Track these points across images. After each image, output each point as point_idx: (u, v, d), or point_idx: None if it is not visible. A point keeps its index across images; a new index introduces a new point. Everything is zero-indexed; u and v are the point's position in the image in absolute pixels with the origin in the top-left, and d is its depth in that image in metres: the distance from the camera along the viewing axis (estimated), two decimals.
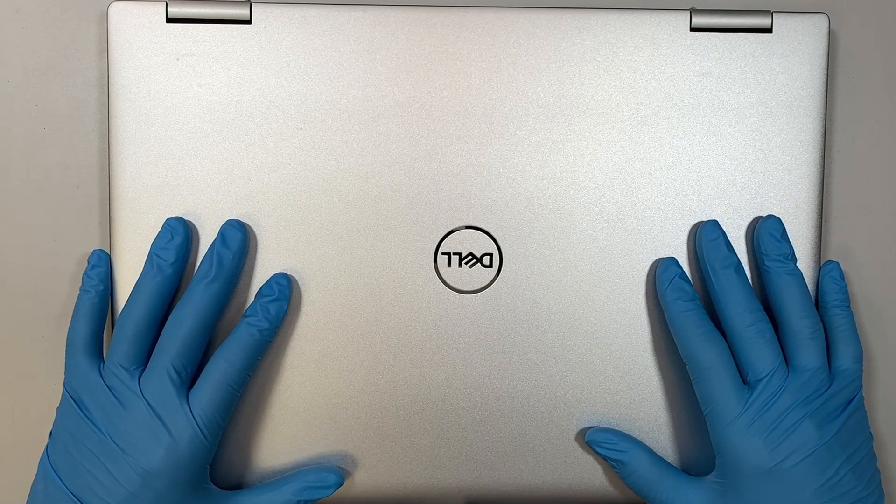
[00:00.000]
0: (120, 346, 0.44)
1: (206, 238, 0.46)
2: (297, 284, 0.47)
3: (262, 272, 0.47)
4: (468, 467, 0.47)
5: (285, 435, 0.47)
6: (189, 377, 0.44)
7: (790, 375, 0.44)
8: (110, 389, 0.44)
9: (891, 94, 0.51)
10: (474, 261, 0.47)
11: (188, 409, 0.43)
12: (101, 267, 0.46)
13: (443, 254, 0.47)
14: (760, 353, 0.44)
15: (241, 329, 0.45)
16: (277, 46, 0.46)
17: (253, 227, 0.46)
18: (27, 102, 0.50)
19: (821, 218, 0.48)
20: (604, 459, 0.47)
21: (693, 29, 0.47)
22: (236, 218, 0.46)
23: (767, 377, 0.44)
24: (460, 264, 0.47)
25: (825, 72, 0.47)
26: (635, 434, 0.47)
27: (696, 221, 0.47)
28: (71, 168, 0.50)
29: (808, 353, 0.44)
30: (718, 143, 0.47)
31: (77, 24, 0.50)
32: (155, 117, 0.46)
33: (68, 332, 0.45)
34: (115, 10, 0.46)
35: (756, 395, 0.44)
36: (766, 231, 0.46)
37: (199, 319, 0.44)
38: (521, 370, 0.47)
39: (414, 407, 0.47)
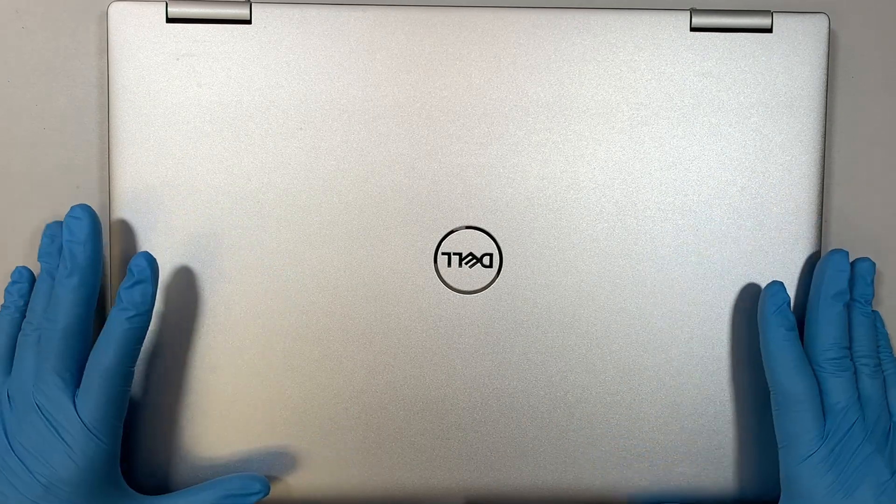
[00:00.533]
0: (24, 352, 0.44)
1: (208, 242, 0.46)
2: (297, 285, 0.47)
3: (263, 272, 0.47)
4: (468, 467, 0.47)
5: (286, 435, 0.47)
6: (74, 378, 0.43)
7: (863, 410, 0.45)
8: (10, 399, 0.44)
9: (891, 94, 0.51)
10: (474, 261, 0.47)
11: (76, 414, 0.42)
12: (22, 283, 0.47)
13: (443, 254, 0.47)
14: (842, 385, 0.44)
15: (109, 321, 0.43)
16: (277, 46, 0.46)
17: (253, 226, 0.46)
18: (27, 102, 0.50)
19: (821, 218, 0.48)
20: None
21: (693, 29, 0.47)
22: (82, 203, 0.44)
23: (844, 410, 0.44)
24: (460, 264, 0.47)
25: (825, 72, 0.47)
26: (634, 429, 0.47)
27: (695, 221, 0.47)
28: (71, 168, 0.50)
29: (872, 386, 0.45)
30: (718, 143, 0.47)
31: (77, 24, 0.49)
32: (155, 117, 0.46)
33: None
34: (114, 9, 0.46)
35: (833, 427, 0.44)
36: (860, 274, 0.47)
37: (69, 317, 0.43)
38: (521, 370, 0.47)
39: (414, 407, 0.47)
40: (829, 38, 0.47)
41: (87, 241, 0.43)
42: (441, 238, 0.47)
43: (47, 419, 0.42)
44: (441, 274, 0.47)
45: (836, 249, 0.46)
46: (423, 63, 0.46)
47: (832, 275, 0.45)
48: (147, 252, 0.44)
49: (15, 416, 0.43)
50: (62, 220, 0.46)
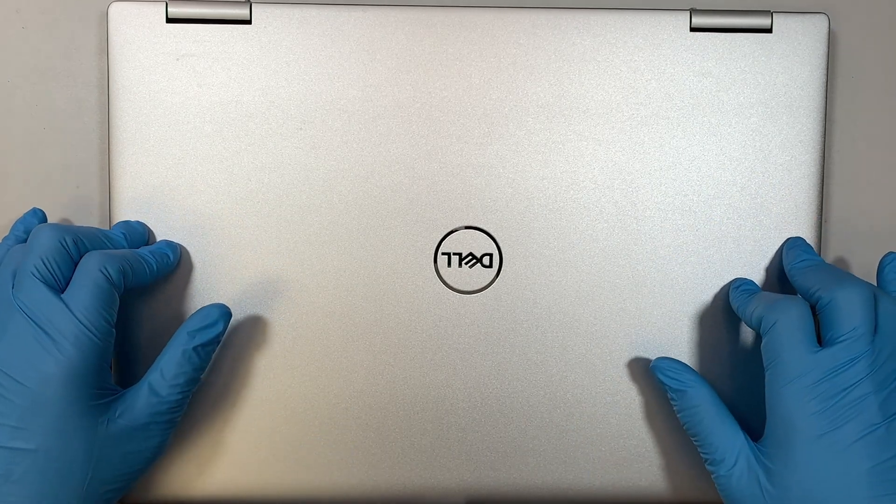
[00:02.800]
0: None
1: (203, 239, 0.46)
2: (297, 285, 0.47)
3: (262, 271, 0.47)
4: (468, 467, 0.47)
5: (285, 435, 0.47)
6: (60, 282, 0.42)
7: (874, 344, 0.40)
8: None
9: (891, 94, 0.51)
10: (474, 261, 0.47)
11: (67, 308, 0.41)
12: (33, 222, 0.46)
13: (443, 254, 0.47)
14: (852, 309, 0.41)
15: (112, 230, 0.45)
16: (277, 46, 0.46)
17: (253, 226, 0.46)
18: (27, 102, 0.50)
19: (821, 218, 0.48)
20: (664, 388, 0.45)
21: (693, 29, 0.47)
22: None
23: (849, 339, 0.40)
24: (460, 264, 0.47)
25: (825, 72, 0.47)
26: (634, 429, 0.47)
27: (696, 221, 0.47)
28: (71, 168, 0.50)
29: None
30: (718, 143, 0.47)
31: (77, 24, 0.49)
32: (155, 117, 0.46)
33: None
34: (115, 10, 0.46)
35: (829, 354, 0.40)
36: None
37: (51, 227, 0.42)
38: (521, 370, 0.47)
39: (414, 407, 0.47)
40: (829, 38, 0.47)
41: None
42: (441, 238, 0.47)
43: (32, 319, 0.41)
44: (441, 274, 0.47)
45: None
46: (423, 63, 0.46)
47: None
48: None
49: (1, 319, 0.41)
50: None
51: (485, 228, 0.47)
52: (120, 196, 0.46)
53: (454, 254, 0.47)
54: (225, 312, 0.44)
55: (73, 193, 0.50)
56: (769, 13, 0.47)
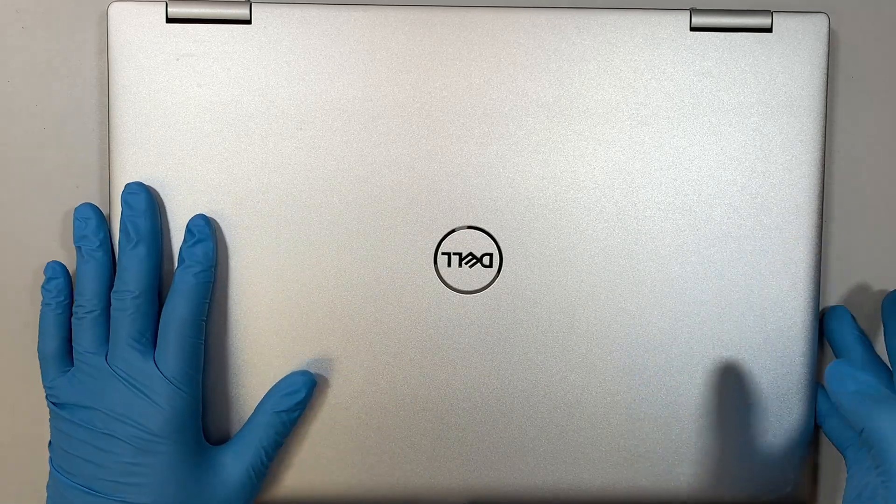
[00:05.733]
0: (82, 334, 0.45)
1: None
2: (298, 285, 0.47)
3: (262, 271, 0.47)
4: (469, 468, 0.47)
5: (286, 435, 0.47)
6: (149, 342, 0.45)
7: None
8: (84, 376, 0.45)
9: (891, 94, 0.51)
10: (474, 261, 0.47)
11: (158, 371, 0.44)
12: (58, 279, 0.46)
13: (443, 254, 0.47)
14: None
15: (177, 281, 0.45)
16: (277, 46, 0.46)
17: (253, 226, 0.46)
18: (27, 102, 0.50)
19: (821, 218, 0.48)
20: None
21: (693, 29, 0.47)
22: (137, 181, 0.46)
23: None
24: (460, 264, 0.47)
25: (825, 72, 0.47)
26: (634, 429, 0.47)
27: (695, 221, 0.47)
28: (71, 168, 0.50)
29: None
30: (718, 143, 0.47)
31: (77, 24, 0.49)
32: (155, 117, 0.46)
33: (38, 347, 0.46)
34: (114, 10, 0.46)
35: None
36: None
37: (140, 284, 0.45)
38: (521, 370, 0.47)
39: (414, 407, 0.47)
40: (829, 38, 0.47)
41: (146, 212, 0.45)
42: (441, 238, 0.47)
43: (129, 382, 0.44)
44: (441, 274, 0.47)
45: None
46: (423, 63, 0.46)
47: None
48: (202, 214, 0.46)
49: (95, 388, 0.44)
50: (88, 202, 0.47)
51: (485, 228, 0.47)
52: (120, 195, 0.46)
53: (454, 254, 0.47)
54: (309, 380, 0.46)
55: (73, 193, 0.50)
56: (769, 13, 0.47)
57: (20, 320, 0.50)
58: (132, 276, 0.45)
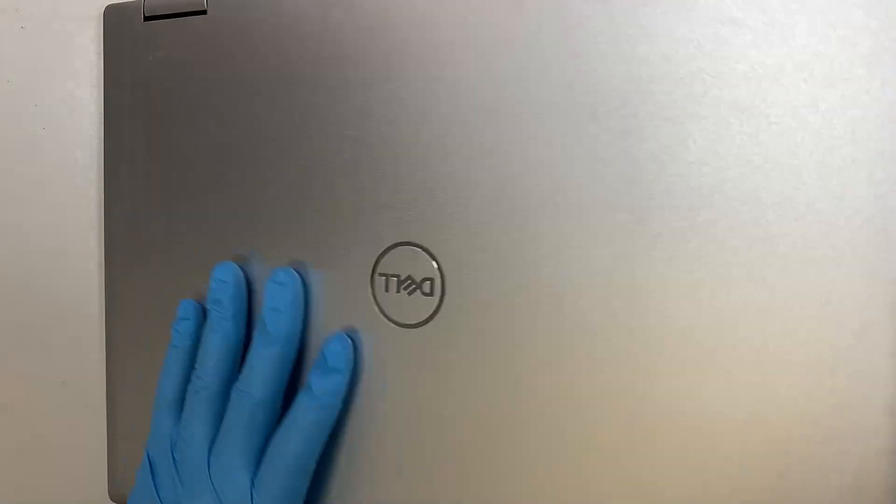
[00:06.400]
0: (194, 412, 0.40)
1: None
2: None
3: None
4: None
5: None
6: (257, 457, 0.39)
7: None
8: (176, 465, 0.40)
9: None
10: (413, 286, 0.40)
11: (250, 500, 0.38)
12: (189, 320, 0.42)
13: (380, 275, 0.40)
14: None
15: (296, 407, 0.39)
16: (235, 36, 0.43)
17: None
18: (27, 102, 0.50)
19: None
20: None
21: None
22: (286, 268, 0.40)
23: None
24: (398, 290, 0.40)
25: None
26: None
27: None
28: (71, 168, 0.50)
29: None
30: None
31: (76, 24, 0.49)
32: (143, 117, 0.45)
33: (156, 389, 0.42)
34: (108, 11, 0.45)
35: None
36: None
37: (264, 390, 0.39)
38: (470, 418, 0.39)
39: (350, 459, 0.41)
40: None
41: (288, 310, 0.40)
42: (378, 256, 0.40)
43: (218, 498, 0.39)
44: (378, 300, 0.40)
45: None
46: (374, 51, 0.42)
47: None
48: (343, 335, 0.40)
49: (185, 489, 0.40)
50: (229, 260, 0.42)
51: (425, 245, 0.40)
52: (117, 195, 0.45)
53: (392, 276, 0.40)
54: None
55: (72, 193, 0.50)
56: None
57: (17, 320, 0.51)
58: (257, 378, 0.39)
